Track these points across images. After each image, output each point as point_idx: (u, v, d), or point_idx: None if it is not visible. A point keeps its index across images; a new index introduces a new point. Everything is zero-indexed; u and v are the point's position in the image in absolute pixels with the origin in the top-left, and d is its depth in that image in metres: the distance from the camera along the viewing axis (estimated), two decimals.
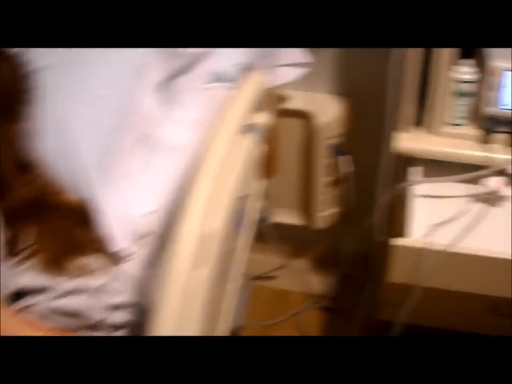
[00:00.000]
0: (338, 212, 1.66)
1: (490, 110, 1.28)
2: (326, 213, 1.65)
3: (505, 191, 1.27)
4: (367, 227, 1.44)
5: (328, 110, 1.53)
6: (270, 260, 1.83)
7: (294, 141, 1.59)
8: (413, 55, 1.24)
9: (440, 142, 1.32)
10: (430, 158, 1.33)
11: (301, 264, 1.86)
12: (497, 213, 1.27)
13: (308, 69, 1.39)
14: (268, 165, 1.42)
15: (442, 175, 1.30)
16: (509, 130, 1.30)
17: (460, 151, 1.31)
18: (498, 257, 1.11)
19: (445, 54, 1.22)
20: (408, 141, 1.33)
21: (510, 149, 1.30)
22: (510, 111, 1.28)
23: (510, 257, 1.11)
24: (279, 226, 1.70)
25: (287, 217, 1.72)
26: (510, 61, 1.25)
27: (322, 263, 1.86)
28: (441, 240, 1.16)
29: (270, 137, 1.35)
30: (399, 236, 1.21)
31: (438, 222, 1.23)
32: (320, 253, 1.83)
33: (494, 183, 1.27)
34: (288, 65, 1.38)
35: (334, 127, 1.53)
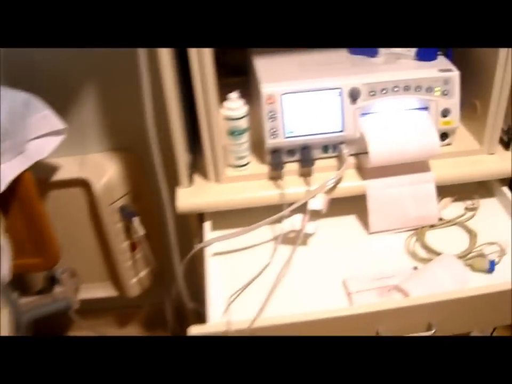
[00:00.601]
0: (147, 274, 1.40)
1: (274, 142, 1.06)
2: (135, 279, 1.38)
3: (310, 228, 1.05)
4: (175, 292, 1.19)
5: (106, 171, 1.25)
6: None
7: (80, 211, 1.30)
8: (172, 100, 0.99)
9: (228, 190, 1.09)
10: (220, 209, 1.09)
11: (130, 331, 1.58)
12: (305, 255, 1.06)
13: (63, 135, 1.11)
14: (44, 256, 1.13)
15: (244, 223, 1.07)
16: (298, 158, 1.09)
17: (252, 195, 1.08)
18: (298, 321, 0.89)
19: (208, 93, 0.98)
20: (191, 195, 1.08)
21: (303, 178, 1.09)
22: (296, 138, 1.07)
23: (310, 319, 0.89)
24: (97, 301, 1.42)
25: (99, 291, 1.43)
26: (284, 84, 1.04)
27: (152, 325, 1.59)
28: (246, 309, 0.93)
29: (37, 227, 1.06)
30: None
31: (241, 285, 1.00)
32: (147, 315, 1.56)
33: (297, 221, 1.05)
34: (41, 137, 1.10)
35: (116, 189, 1.25)
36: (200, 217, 1.12)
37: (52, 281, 1.31)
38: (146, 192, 1.27)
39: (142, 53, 0.92)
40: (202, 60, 0.95)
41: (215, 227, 1.11)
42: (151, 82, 0.96)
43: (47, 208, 1.26)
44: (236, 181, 1.09)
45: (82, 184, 1.24)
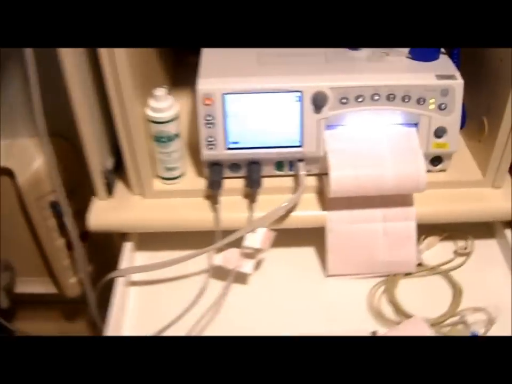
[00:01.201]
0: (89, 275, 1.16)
1: (211, 153, 0.80)
2: (74, 279, 1.16)
3: (246, 267, 0.80)
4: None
5: (34, 160, 1.00)
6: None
7: (8, 202, 1.07)
8: (75, 85, 0.73)
9: (154, 207, 0.83)
10: (142, 230, 0.84)
11: (73, 328, 1.36)
12: (239, 298, 0.81)
13: None
14: None
15: (174, 245, 0.84)
16: (243, 175, 0.83)
17: (181, 216, 0.83)
18: None
19: (121, 85, 0.72)
20: (109, 210, 0.83)
21: (247, 201, 0.82)
22: (241, 150, 0.80)
23: None
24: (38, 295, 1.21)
25: (38, 286, 1.21)
26: (228, 80, 0.77)
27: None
28: None
29: None
30: None
31: (154, 330, 0.76)
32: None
33: (231, 257, 0.80)
34: None
35: (45, 181, 1.01)
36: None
37: None
38: (83, 188, 1.02)
39: None
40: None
41: (140, 247, 0.87)
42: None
43: None
44: (164, 197, 0.84)
45: (7, 173, 1.00)
